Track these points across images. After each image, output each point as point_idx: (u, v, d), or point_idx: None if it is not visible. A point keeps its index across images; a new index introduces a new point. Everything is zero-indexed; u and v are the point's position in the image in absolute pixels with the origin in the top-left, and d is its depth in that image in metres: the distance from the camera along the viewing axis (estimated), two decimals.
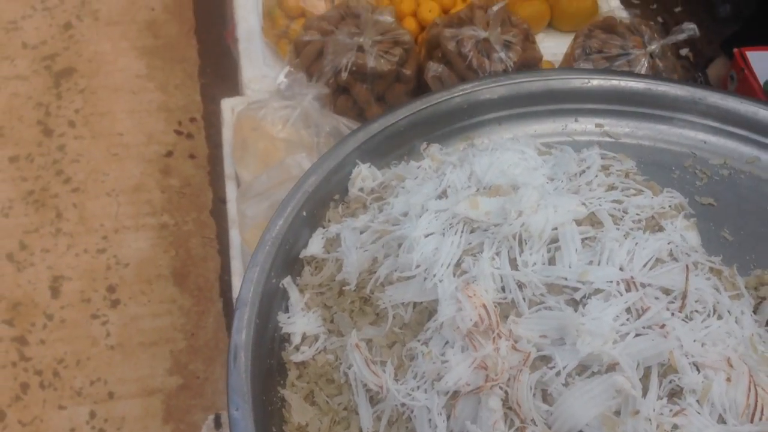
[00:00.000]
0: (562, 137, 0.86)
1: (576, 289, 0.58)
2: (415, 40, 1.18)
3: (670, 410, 0.52)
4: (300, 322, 0.68)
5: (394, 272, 0.64)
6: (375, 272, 0.66)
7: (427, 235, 0.64)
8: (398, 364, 0.61)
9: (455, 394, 0.55)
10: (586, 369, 0.54)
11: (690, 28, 1.04)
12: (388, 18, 1.10)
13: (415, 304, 0.62)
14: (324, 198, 0.76)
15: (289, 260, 0.72)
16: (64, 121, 1.92)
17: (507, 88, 0.85)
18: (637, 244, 0.61)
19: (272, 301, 0.69)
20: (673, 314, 0.56)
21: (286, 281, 0.70)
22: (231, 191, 1.14)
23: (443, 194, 0.69)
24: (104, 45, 2.09)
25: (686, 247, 0.64)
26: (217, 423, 1.43)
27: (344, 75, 1.06)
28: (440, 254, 0.62)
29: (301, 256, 0.73)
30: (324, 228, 0.74)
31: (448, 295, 0.59)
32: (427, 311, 0.62)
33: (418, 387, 0.58)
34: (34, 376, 1.50)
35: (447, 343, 0.58)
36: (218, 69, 2.05)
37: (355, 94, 1.10)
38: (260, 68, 1.29)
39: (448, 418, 0.56)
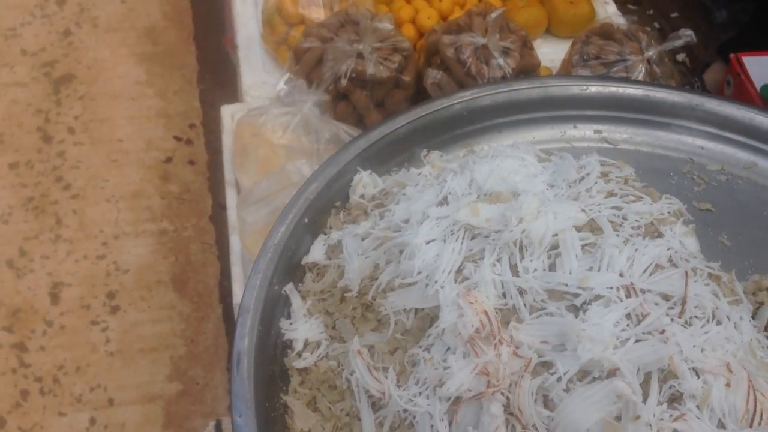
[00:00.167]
0: (561, 144, 0.86)
1: (576, 295, 0.58)
2: (414, 46, 1.19)
3: (670, 415, 0.53)
4: (302, 328, 0.68)
5: (396, 279, 0.64)
6: (376, 279, 0.66)
7: (428, 242, 0.64)
8: (400, 371, 0.61)
9: (457, 400, 0.56)
10: (587, 374, 0.54)
11: (687, 34, 1.05)
12: (387, 25, 1.11)
13: (416, 311, 0.63)
14: (325, 205, 0.77)
15: (291, 267, 0.72)
16: (63, 127, 1.92)
17: (506, 95, 0.86)
18: (636, 250, 0.61)
19: (274, 308, 0.69)
20: (672, 320, 0.57)
21: (288, 288, 0.70)
22: (231, 197, 1.15)
23: (444, 201, 0.70)
24: (103, 52, 2.09)
25: (685, 253, 0.64)
26: (218, 429, 1.43)
27: (344, 81, 1.07)
28: (441, 261, 0.62)
29: (302, 262, 0.73)
30: (325, 235, 0.75)
31: (449, 301, 0.59)
32: (428, 317, 0.62)
33: (420, 393, 0.58)
34: (34, 383, 1.50)
35: (449, 349, 0.58)
36: (217, 75, 2.05)
37: (354, 100, 1.10)
38: (260, 75, 1.30)
39: (450, 424, 0.56)
